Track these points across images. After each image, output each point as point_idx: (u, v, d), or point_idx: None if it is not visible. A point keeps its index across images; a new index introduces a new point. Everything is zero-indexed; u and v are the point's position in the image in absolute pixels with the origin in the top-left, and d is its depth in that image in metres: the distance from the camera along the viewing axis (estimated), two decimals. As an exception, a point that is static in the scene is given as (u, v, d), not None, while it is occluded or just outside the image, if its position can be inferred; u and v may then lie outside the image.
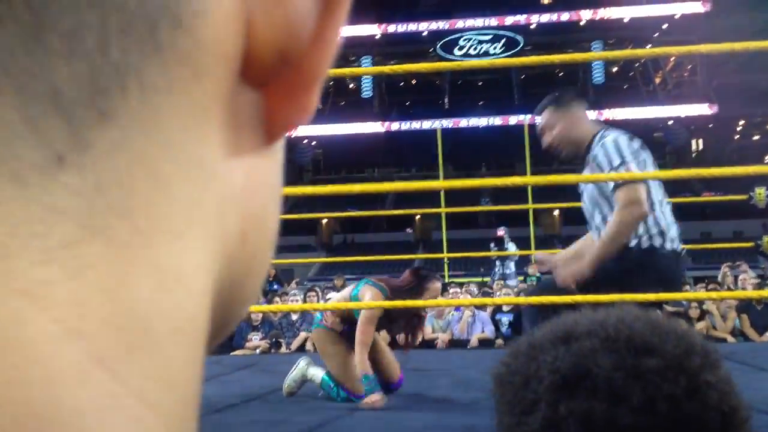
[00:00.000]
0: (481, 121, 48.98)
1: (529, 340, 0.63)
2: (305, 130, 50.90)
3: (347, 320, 4.35)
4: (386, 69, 4.60)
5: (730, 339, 8.12)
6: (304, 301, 8.83)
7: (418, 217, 40.47)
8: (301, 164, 49.66)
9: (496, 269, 11.20)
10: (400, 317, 4.25)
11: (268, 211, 0.24)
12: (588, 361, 0.57)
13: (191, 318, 0.18)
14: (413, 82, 53.14)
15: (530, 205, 9.26)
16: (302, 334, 8.56)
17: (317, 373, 4.35)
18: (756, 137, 46.68)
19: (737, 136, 47.14)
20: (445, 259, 12.31)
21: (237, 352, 8.39)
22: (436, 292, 4.27)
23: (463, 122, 48.54)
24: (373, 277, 4.54)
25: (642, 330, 0.59)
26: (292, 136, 51.05)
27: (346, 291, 4.52)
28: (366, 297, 4.20)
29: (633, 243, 2.93)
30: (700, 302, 8.33)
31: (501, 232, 11.19)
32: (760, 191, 6.29)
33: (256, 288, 0.25)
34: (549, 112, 3.30)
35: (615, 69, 50.81)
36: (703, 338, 0.62)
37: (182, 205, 0.18)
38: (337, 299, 4.61)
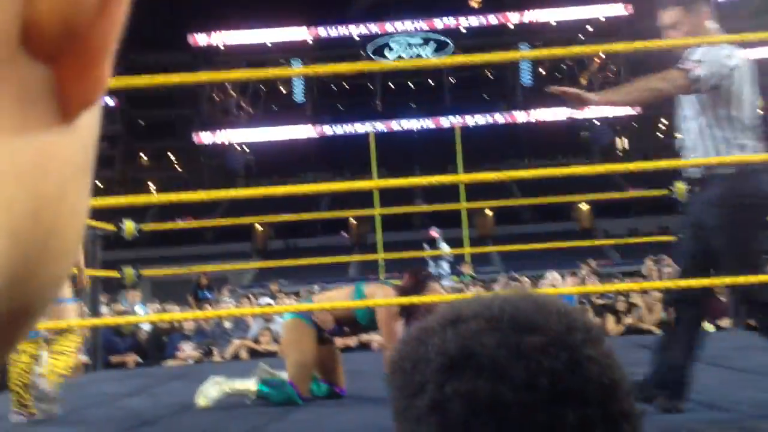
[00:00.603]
0: (413, 124, 49.37)
1: (421, 325, 0.63)
2: (237, 136, 50.35)
3: (341, 321, 4.28)
4: (317, 69, 4.55)
5: (657, 331, 8.34)
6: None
7: (353, 221, 40.50)
8: (234, 170, 49.07)
9: (430, 269, 11.26)
10: (417, 313, 4.19)
11: (67, 190, 0.23)
12: (473, 341, 0.57)
13: None
14: (345, 86, 53.13)
15: (463, 205, 9.35)
16: (236, 342, 8.42)
17: (246, 385, 4.20)
18: (678, 135, 48.12)
19: (660, 135, 48.66)
20: (380, 261, 12.32)
21: (169, 363, 8.22)
22: (435, 291, 4.28)
23: (396, 125, 48.83)
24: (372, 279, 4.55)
25: (526, 309, 0.59)
26: (224, 142, 50.39)
27: (344, 292, 4.43)
28: (378, 295, 4.17)
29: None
30: (628, 295, 8.55)
31: (434, 232, 11.28)
32: (680, 185, 6.48)
33: (59, 271, 0.24)
34: (679, 11, 3.24)
35: (542, 71, 51.85)
36: (587, 316, 0.63)
37: None
38: (332, 298, 4.45)
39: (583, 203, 40.06)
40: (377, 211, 10.36)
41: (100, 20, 0.21)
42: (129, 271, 6.76)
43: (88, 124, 0.24)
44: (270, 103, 52.38)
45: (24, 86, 0.20)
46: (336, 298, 4.41)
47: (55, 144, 0.22)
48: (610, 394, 0.56)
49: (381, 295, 4.17)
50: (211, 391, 4.13)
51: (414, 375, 0.59)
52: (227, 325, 8.69)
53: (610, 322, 8.41)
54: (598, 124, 49.06)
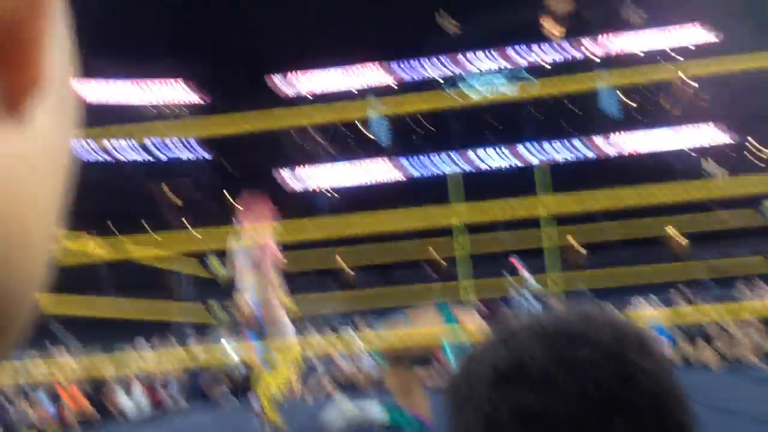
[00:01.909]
0: (497, 160, 49.05)
1: (478, 344, 0.65)
2: (321, 179, 51.25)
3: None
4: (398, 108, 4.61)
5: (753, 359, 7.93)
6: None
7: (435, 256, 40.33)
8: (320, 212, 49.81)
9: (517, 303, 11.11)
10: None
11: (24, 187, 0.23)
12: (523, 355, 0.58)
13: None
14: (427, 126, 53.39)
15: (547, 241, 9.21)
16: (324, 378, 8.47)
17: (377, 415, 4.24)
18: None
19: (756, 161, 46.69)
20: (462, 294, 12.23)
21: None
22: None
23: (478, 161, 48.64)
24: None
25: (576, 322, 0.60)
26: (310, 186, 51.33)
27: (429, 316, 4.41)
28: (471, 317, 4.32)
29: None
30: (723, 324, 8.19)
31: (515, 261, 11.12)
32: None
33: (27, 274, 0.23)
34: None
35: (629, 101, 50.78)
36: (641, 329, 0.62)
37: None
38: (425, 320, 4.45)
39: (674, 229, 38.76)
40: (459, 246, 10.32)
41: (34, 14, 0.21)
42: (223, 313, 6.94)
43: (47, 128, 0.24)
44: (354, 146, 53.14)
45: None
46: (428, 318, 4.38)
47: (6, 138, 0.22)
48: (663, 406, 0.56)
49: (470, 318, 4.23)
50: (345, 416, 4.20)
51: (467, 390, 0.60)
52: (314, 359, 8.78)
53: (705, 349, 8.07)
54: (690, 152, 47.53)
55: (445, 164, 46.83)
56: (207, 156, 51.77)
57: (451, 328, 4.19)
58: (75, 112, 0.26)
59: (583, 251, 39.25)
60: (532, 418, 0.55)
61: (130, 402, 8.46)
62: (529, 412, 0.55)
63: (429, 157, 50.01)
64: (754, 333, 8.24)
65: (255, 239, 5.07)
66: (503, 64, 48.40)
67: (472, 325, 4.28)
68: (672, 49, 46.81)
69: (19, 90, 0.22)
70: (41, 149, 0.24)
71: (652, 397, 0.55)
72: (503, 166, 48.48)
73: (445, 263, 39.54)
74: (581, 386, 0.55)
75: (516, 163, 47.70)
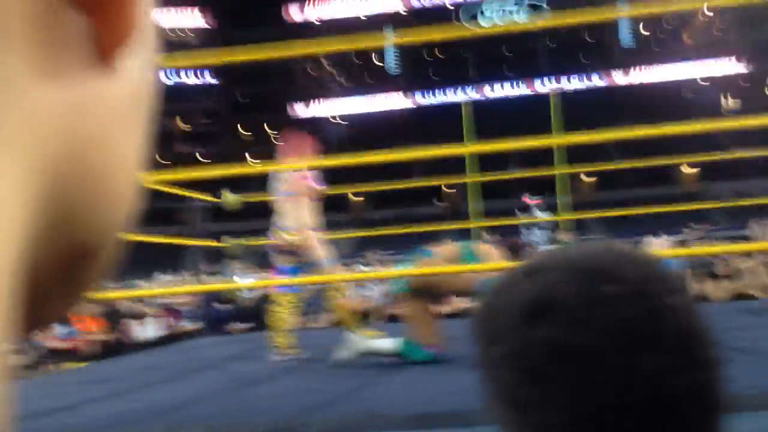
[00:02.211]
0: (509, 91, 48.52)
1: (504, 277, 0.65)
2: (331, 108, 50.92)
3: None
4: (409, 38, 4.55)
5: (762, 296, 7.98)
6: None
7: (447, 189, 40.35)
8: (329, 142, 49.67)
9: (524, 237, 11.14)
10: None
11: (113, 133, 0.24)
12: (552, 290, 0.59)
13: None
14: (439, 55, 52.68)
15: (560, 170, 9.15)
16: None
17: (387, 345, 4.31)
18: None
19: (770, 93, 46.01)
20: (475, 229, 12.24)
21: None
22: None
23: (490, 92, 48.14)
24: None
25: (604, 259, 0.61)
26: (320, 115, 51.07)
27: (453, 249, 4.49)
28: (491, 252, 4.40)
29: None
30: (731, 260, 8.22)
31: (527, 199, 11.11)
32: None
33: (114, 215, 0.25)
34: None
35: (643, 30, 49.81)
36: (667, 267, 0.63)
37: None
38: (444, 254, 4.49)
39: (687, 166, 38.53)
40: (470, 179, 10.29)
41: None
42: (233, 242, 7.01)
43: (135, 73, 0.24)
44: (364, 75, 52.61)
45: (59, 31, 0.20)
46: (447, 253, 4.42)
47: (94, 88, 0.22)
48: (688, 343, 0.57)
49: (493, 252, 4.30)
50: (353, 347, 4.32)
51: (494, 323, 0.61)
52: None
53: (715, 286, 8.11)
54: (703, 83, 46.83)
55: (456, 95, 46.43)
56: (216, 83, 51.47)
57: (473, 262, 4.25)
58: (157, 54, 0.27)
59: (593, 183, 39.18)
60: (560, 353, 0.56)
61: (145, 331, 8.65)
62: (557, 346, 0.56)
63: (442, 90, 49.58)
64: (764, 270, 8.27)
65: (294, 171, 5.13)
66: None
67: (494, 259, 4.33)
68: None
69: (112, 38, 0.22)
70: (130, 97, 0.24)
71: (678, 334, 0.56)
72: (516, 97, 48.05)
73: (456, 198, 39.62)
74: (608, 322, 0.55)
75: (529, 93, 47.27)
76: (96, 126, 0.23)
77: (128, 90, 0.24)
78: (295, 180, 5.18)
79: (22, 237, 0.19)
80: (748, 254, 8.30)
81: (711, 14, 46.56)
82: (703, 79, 46.64)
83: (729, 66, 45.80)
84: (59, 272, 0.23)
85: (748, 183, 35.71)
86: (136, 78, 0.25)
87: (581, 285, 0.58)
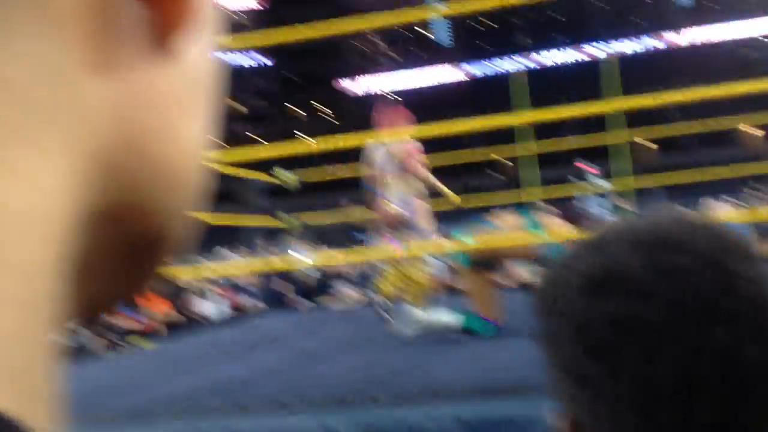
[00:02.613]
0: (564, 56, 47.60)
1: (569, 250, 0.64)
2: (383, 83, 50.78)
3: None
4: (458, 8, 4.52)
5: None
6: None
7: (504, 160, 39.95)
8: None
9: (583, 207, 10.97)
10: None
11: (172, 121, 0.23)
12: (617, 263, 0.57)
13: (44, 217, 0.18)
14: (491, 24, 51.93)
15: (618, 136, 8.94)
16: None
17: (450, 320, 4.27)
18: None
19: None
20: (534, 199, 12.09)
21: (334, 304, 8.58)
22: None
23: (546, 59, 47.32)
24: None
25: (672, 230, 0.59)
26: (372, 90, 51.00)
27: (512, 223, 4.47)
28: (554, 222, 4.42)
29: None
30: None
31: (582, 165, 10.92)
32: None
33: (177, 203, 0.24)
34: None
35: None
36: (741, 236, 0.61)
37: (37, 113, 0.18)
38: (510, 223, 4.46)
39: (751, 127, 37.31)
40: (521, 151, 10.15)
41: None
42: (292, 219, 7.08)
43: (195, 58, 0.24)
44: (414, 48, 52.26)
45: (114, 20, 0.20)
46: (512, 224, 4.38)
47: (152, 76, 0.22)
48: (763, 313, 0.55)
49: (556, 222, 4.31)
50: (415, 322, 4.28)
51: (558, 298, 0.60)
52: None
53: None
54: (766, 41, 45.12)
55: (507, 64, 45.78)
56: (268, 63, 51.82)
57: (536, 232, 4.21)
58: (218, 39, 0.26)
59: (655, 148, 38.29)
60: (626, 326, 0.54)
61: (209, 308, 8.83)
62: (622, 319, 0.54)
63: (491, 60, 48.90)
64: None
65: (397, 142, 5.17)
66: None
67: (557, 228, 4.29)
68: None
69: (169, 22, 0.22)
70: (190, 82, 0.24)
71: (754, 307, 0.54)
72: (569, 62, 47.13)
73: (512, 167, 39.23)
74: (679, 294, 0.54)
75: (582, 58, 46.30)
76: (154, 115, 0.22)
77: (188, 76, 0.24)
78: (401, 152, 5.18)
79: (71, 227, 0.19)
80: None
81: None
82: (765, 36, 44.92)
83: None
84: (121, 259, 0.23)
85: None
86: (197, 62, 0.24)
87: (647, 257, 0.56)
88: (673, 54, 46.21)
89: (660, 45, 46.67)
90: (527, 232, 4.23)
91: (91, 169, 0.20)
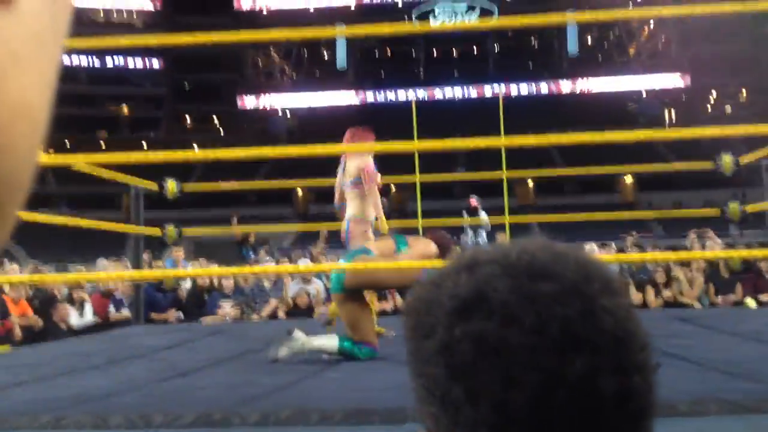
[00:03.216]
0: (456, 92, 48.92)
1: (439, 271, 0.64)
2: (279, 101, 50.53)
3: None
4: (359, 30, 4.54)
5: (696, 305, 8.23)
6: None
7: (393, 188, 40.50)
8: (275, 134, 49.30)
9: (469, 238, 11.25)
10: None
11: (7, 75, 0.21)
12: (486, 285, 0.57)
13: None
14: (388, 53, 52.78)
15: (504, 173, 9.22)
16: (273, 302, 8.54)
17: (328, 343, 4.28)
18: (728, 108, 47.08)
19: (710, 108, 47.48)
20: (420, 228, 12.30)
21: (208, 319, 8.36)
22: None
23: (439, 93, 48.47)
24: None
25: (543, 257, 0.59)
26: (267, 107, 50.61)
27: (388, 242, 4.55)
28: (420, 244, 4.55)
29: None
30: (668, 268, 8.42)
31: (474, 201, 11.22)
32: (726, 158, 6.34)
33: (3, 166, 0.21)
34: None
35: (590, 41, 50.80)
36: (610, 269, 0.62)
37: None
38: (380, 248, 4.53)
39: (628, 176, 39.43)
40: (417, 178, 10.32)
41: None
42: (171, 230, 6.88)
43: (36, 9, 0.22)
44: (313, 69, 52.37)
45: None
46: (384, 248, 4.47)
47: None
48: (623, 346, 0.55)
49: (422, 244, 4.52)
50: (292, 345, 4.22)
51: (426, 317, 0.59)
52: (266, 284, 8.81)
53: (650, 294, 8.30)
54: (646, 95, 48.03)
55: (404, 93, 46.58)
56: (158, 67, 50.44)
57: (403, 250, 4.37)
58: None
59: (533, 188, 39.82)
60: (490, 349, 0.54)
61: (80, 316, 8.43)
62: (488, 342, 0.54)
63: (392, 89, 49.63)
64: (699, 279, 8.49)
65: (357, 162, 5.34)
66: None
67: (422, 248, 4.43)
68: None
69: None
70: (31, 36, 0.21)
71: (613, 337, 0.55)
72: (462, 98, 48.46)
73: (399, 197, 39.77)
74: (542, 321, 0.54)
75: (474, 94, 47.74)
76: None
77: (30, 28, 0.21)
78: (364, 172, 5.33)
79: None
80: (686, 263, 8.53)
81: (653, 27, 47.74)
82: (646, 92, 47.82)
83: (671, 80, 47.08)
84: None
85: (686, 194, 36.75)
86: (38, 14, 0.22)
87: (516, 281, 0.57)
88: (561, 100, 48.39)
89: (546, 89, 48.76)
90: (397, 252, 4.36)
91: None
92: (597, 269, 0.60)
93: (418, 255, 4.44)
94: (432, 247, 4.53)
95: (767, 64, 43.92)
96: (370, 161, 5.42)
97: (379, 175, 5.51)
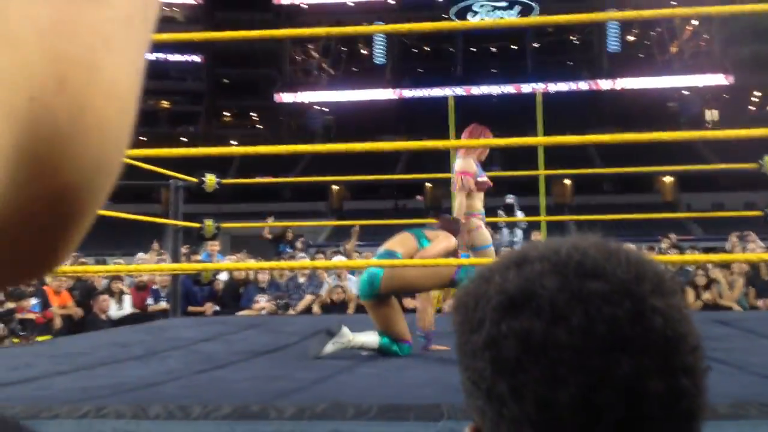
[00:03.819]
0: (494, 89, 48.64)
1: (488, 266, 0.64)
2: (317, 96, 50.74)
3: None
4: (397, 27, 4.54)
5: (736, 307, 8.10)
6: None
7: (428, 185, 40.43)
8: (312, 130, 49.53)
9: (504, 237, 11.18)
10: None
11: (101, 57, 0.21)
12: (535, 283, 0.58)
13: None
14: (426, 49, 52.65)
15: (541, 171, 9.16)
16: (308, 297, 8.59)
17: (369, 340, 4.30)
18: (771, 108, 46.14)
19: (751, 107, 46.55)
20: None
21: (243, 313, 8.45)
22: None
23: (476, 90, 48.24)
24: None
25: (593, 255, 0.59)
26: (305, 103, 50.87)
27: (406, 240, 4.54)
28: (441, 238, 4.53)
29: None
30: (707, 270, 8.29)
31: (510, 199, 11.15)
32: (770, 159, 6.22)
33: (100, 152, 0.22)
34: None
35: (631, 38, 50.10)
36: (664, 269, 0.62)
37: None
38: (402, 242, 4.54)
39: (667, 176, 38.87)
40: (453, 175, 10.28)
41: None
42: (209, 223, 6.96)
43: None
44: (351, 66, 52.48)
45: None
46: (408, 247, 4.47)
47: (81, 8, 0.20)
48: (672, 347, 0.55)
49: (443, 238, 4.48)
50: (340, 342, 4.23)
51: (475, 311, 0.60)
52: (301, 280, 8.86)
53: (689, 296, 8.18)
54: (687, 93, 47.22)
55: (442, 90, 46.44)
56: (200, 62, 50.98)
57: (425, 245, 4.39)
58: None
59: (572, 186, 39.44)
60: (536, 347, 0.55)
61: (119, 307, 8.59)
62: (534, 339, 0.55)
63: (428, 84, 49.52)
64: (739, 281, 8.35)
65: (458, 162, 5.17)
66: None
67: (443, 240, 4.42)
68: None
69: None
70: (123, 20, 0.22)
71: (662, 337, 0.55)
72: (501, 94, 48.16)
73: (437, 193, 39.67)
74: (589, 320, 0.54)
75: (512, 91, 47.41)
76: (82, 48, 0.21)
77: (122, 12, 0.22)
78: (457, 172, 5.15)
79: None
80: (726, 266, 8.39)
81: (695, 26, 46.92)
82: (688, 91, 47.04)
83: (713, 79, 46.27)
84: (38, 219, 0.21)
85: (727, 195, 36.12)
86: (131, 1, 0.23)
87: (564, 279, 0.57)
88: (599, 97, 47.82)
89: (585, 87, 48.22)
90: (420, 248, 4.36)
91: (18, 102, 0.19)
92: (649, 269, 0.59)
93: (443, 249, 4.43)
94: (453, 240, 4.51)
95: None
96: (467, 164, 5.22)
97: (474, 178, 5.15)
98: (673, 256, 7.85)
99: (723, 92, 46.75)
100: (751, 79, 44.91)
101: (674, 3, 44.63)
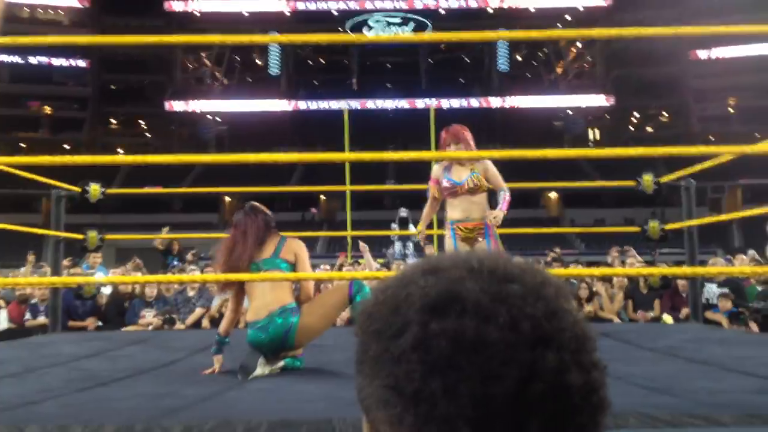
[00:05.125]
0: (389, 104, 49.25)
1: (397, 275, 0.66)
2: (209, 105, 49.79)
3: None
4: (293, 38, 4.53)
5: (616, 319, 8.47)
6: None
7: (323, 197, 40.37)
8: (205, 140, 48.57)
9: (396, 249, 11.30)
10: None
11: None
12: (457, 285, 0.60)
13: None
14: (321, 61, 52.74)
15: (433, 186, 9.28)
16: (198, 310, 8.38)
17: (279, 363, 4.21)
18: (649, 128, 48.84)
19: (631, 127, 49.12)
20: (349, 238, 12.33)
21: (129, 328, 8.15)
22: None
23: (371, 104, 48.69)
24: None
25: (503, 263, 0.63)
26: (196, 112, 49.80)
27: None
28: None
29: None
30: (590, 283, 8.63)
31: (403, 213, 11.30)
32: (647, 178, 6.55)
33: None
34: None
35: (519, 58, 51.91)
36: (554, 276, 0.66)
37: None
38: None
39: (553, 192, 40.41)
40: (348, 188, 10.33)
41: None
42: (92, 235, 6.68)
43: None
44: (245, 75, 51.88)
45: None
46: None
47: None
48: (582, 344, 0.59)
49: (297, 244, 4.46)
50: (261, 370, 4.09)
51: (395, 316, 0.61)
52: (190, 293, 8.64)
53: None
54: (571, 113, 49.35)
55: (338, 102, 46.59)
56: (84, 65, 49.05)
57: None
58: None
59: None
60: (469, 345, 0.56)
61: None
62: (466, 338, 0.57)
63: (323, 96, 49.56)
64: (619, 295, 8.73)
65: (438, 165, 5.15)
66: (401, 4, 48.36)
67: (301, 252, 4.39)
68: (565, 10, 48.20)
69: None
70: None
71: (573, 335, 0.59)
72: (396, 108, 48.80)
73: (330, 206, 39.66)
74: (513, 318, 0.57)
75: (407, 106, 48.15)
76: None
77: None
78: (431, 179, 5.14)
79: None
80: (607, 279, 8.77)
81: (580, 47, 49.09)
82: (572, 110, 49.10)
83: (595, 100, 48.52)
84: None
85: (608, 212, 37.84)
86: None
87: (484, 283, 0.60)
88: (489, 115, 49.22)
89: (476, 104, 49.56)
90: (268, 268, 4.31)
91: None
92: (548, 276, 0.64)
93: (314, 278, 4.47)
94: (305, 249, 4.47)
95: (688, 88, 45.80)
96: (434, 170, 5.23)
97: (436, 185, 5.23)
98: (560, 270, 8.15)
99: (605, 112, 49.12)
100: (631, 101, 47.43)
101: (559, 25, 46.64)
